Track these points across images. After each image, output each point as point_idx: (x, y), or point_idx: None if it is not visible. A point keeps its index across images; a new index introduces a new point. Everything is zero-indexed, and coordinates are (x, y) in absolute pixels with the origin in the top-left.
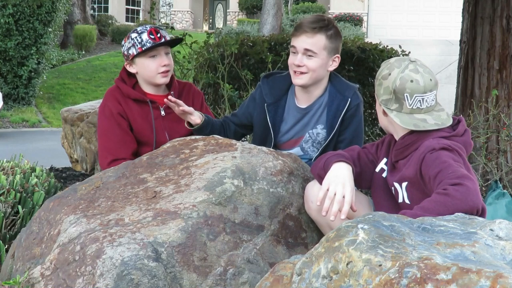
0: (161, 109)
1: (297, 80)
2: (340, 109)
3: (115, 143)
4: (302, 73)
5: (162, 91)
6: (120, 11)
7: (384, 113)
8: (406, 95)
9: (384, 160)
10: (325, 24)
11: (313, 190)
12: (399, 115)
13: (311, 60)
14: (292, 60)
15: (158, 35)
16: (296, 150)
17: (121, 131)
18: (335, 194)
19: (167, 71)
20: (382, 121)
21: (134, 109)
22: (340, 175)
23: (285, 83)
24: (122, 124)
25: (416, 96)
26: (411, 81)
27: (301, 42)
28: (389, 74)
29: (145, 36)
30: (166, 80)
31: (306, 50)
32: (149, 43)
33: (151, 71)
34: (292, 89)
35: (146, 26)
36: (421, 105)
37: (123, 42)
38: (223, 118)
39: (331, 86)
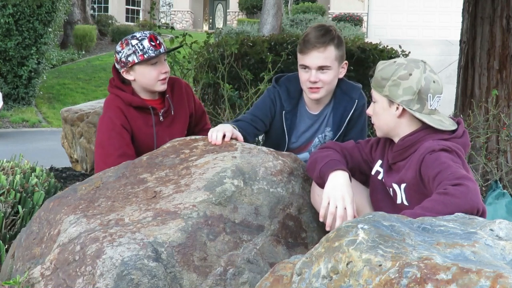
0: (160, 114)
1: (314, 95)
2: (348, 110)
3: (115, 157)
4: (318, 88)
5: (157, 95)
6: (120, 11)
7: (402, 113)
8: (430, 96)
9: (379, 162)
10: (332, 35)
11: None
12: (423, 116)
13: (325, 74)
14: (306, 77)
15: (158, 42)
16: (305, 155)
17: (122, 143)
18: (336, 208)
19: (165, 78)
20: (387, 123)
21: (136, 117)
22: (338, 186)
23: (298, 89)
24: (124, 136)
25: (436, 97)
26: (434, 81)
27: (313, 59)
28: (410, 75)
29: (146, 43)
30: (164, 87)
31: (320, 67)
32: (151, 50)
33: (152, 78)
34: (303, 95)
35: (145, 32)
36: (437, 106)
37: (119, 48)
38: (245, 124)
39: (337, 88)
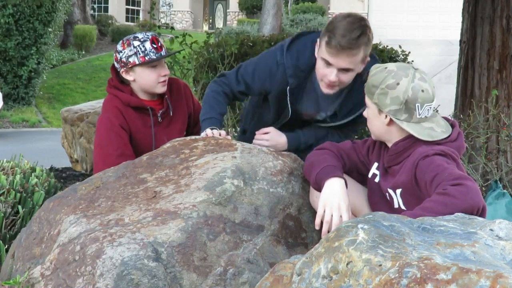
0: (158, 115)
1: (327, 90)
2: (362, 103)
3: (114, 157)
4: (334, 86)
5: (156, 96)
6: (120, 11)
7: (390, 122)
8: (418, 105)
9: (376, 164)
10: (367, 38)
11: None
12: (410, 125)
13: (346, 75)
14: (325, 72)
15: (159, 44)
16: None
17: (121, 143)
18: (332, 216)
19: (165, 81)
20: (379, 129)
21: (134, 117)
22: (334, 194)
23: (311, 63)
24: (123, 137)
25: (425, 106)
26: (422, 90)
27: (340, 61)
28: (397, 84)
29: (148, 45)
30: (164, 89)
31: (345, 69)
32: (153, 53)
33: (152, 80)
34: (315, 69)
35: (147, 33)
36: (428, 114)
37: (120, 48)
38: (223, 91)
39: (358, 77)
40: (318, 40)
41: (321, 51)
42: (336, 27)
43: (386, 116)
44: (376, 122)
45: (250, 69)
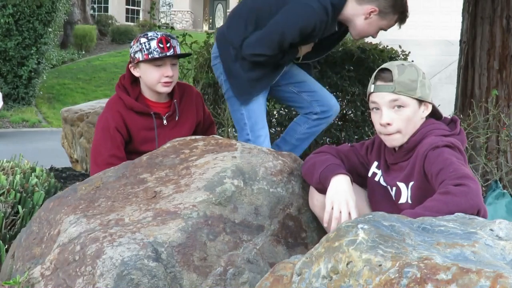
0: (164, 118)
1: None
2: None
3: (106, 157)
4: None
5: (163, 98)
6: (120, 11)
7: (427, 110)
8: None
9: (375, 163)
10: None
11: None
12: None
13: None
14: (373, 33)
15: (168, 44)
16: None
17: (113, 145)
18: (340, 213)
19: (170, 82)
20: (415, 126)
21: (137, 120)
22: (341, 191)
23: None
24: (116, 139)
25: None
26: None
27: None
28: (423, 73)
29: (153, 44)
30: (167, 90)
31: None
32: (157, 52)
33: (154, 79)
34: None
35: (158, 33)
36: None
37: (132, 44)
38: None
39: None
40: (375, 10)
41: (385, 24)
42: (402, 6)
43: (426, 106)
44: (416, 118)
45: (294, 34)
